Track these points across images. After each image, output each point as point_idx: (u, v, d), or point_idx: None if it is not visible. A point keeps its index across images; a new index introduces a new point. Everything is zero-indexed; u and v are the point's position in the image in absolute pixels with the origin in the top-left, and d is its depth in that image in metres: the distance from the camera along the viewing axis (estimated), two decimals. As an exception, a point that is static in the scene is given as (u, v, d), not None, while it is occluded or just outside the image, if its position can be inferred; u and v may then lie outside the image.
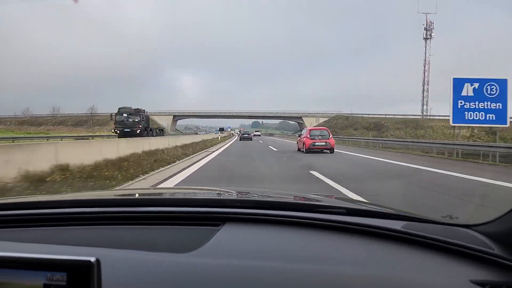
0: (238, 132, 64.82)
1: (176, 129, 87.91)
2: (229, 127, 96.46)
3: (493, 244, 0.82)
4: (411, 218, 1.03)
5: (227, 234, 0.90)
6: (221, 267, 0.72)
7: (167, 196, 1.50)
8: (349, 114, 67.15)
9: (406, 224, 0.95)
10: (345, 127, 62.78)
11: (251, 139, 40.50)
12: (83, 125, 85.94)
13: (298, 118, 75.58)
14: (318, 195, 1.57)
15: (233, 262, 0.75)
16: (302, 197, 1.48)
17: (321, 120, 70.31)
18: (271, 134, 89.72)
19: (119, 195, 1.62)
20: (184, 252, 0.78)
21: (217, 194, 1.57)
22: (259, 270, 0.71)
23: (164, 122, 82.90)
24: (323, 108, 77.59)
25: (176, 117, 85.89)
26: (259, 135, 65.91)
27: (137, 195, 1.57)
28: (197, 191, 1.83)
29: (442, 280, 0.72)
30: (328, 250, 0.85)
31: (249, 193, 1.56)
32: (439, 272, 0.75)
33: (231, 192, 1.56)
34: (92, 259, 0.53)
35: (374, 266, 0.76)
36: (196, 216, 1.01)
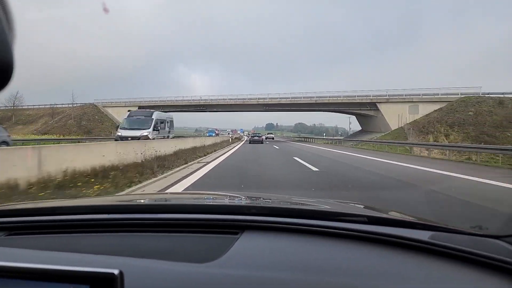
0: (248, 135, 52.25)
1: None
2: (242, 130, 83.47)
3: None
4: (437, 228, 0.96)
5: (246, 244, 0.88)
6: (242, 279, 0.71)
7: (185, 202, 1.47)
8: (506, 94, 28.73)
9: (432, 234, 0.90)
10: (507, 123, 25.36)
11: (262, 142, 32.50)
12: (3, 123, 54.26)
13: (367, 106, 37.21)
14: (340, 202, 1.61)
15: (254, 274, 0.73)
16: (322, 204, 1.47)
17: (426, 108, 32.50)
18: (305, 139, 52.62)
19: (135, 201, 1.48)
20: (204, 262, 0.76)
21: (234, 200, 1.54)
22: (280, 282, 0.70)
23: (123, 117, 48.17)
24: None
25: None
26: (273, 139, 51.77)
27: (154, 201, 1.56)
28: (212, 197, 1.74)
29: None
30: (349, 261, 0.80)
31: (266, 199, 1.57)
32: (469, 286, 0.72)
33: (247, 198, 1.57)
34: (116, 272, 0.54)
35: (399, 279, 0.73)
36: (214, 224, 0.98)
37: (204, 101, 47.39)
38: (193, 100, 48.09)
